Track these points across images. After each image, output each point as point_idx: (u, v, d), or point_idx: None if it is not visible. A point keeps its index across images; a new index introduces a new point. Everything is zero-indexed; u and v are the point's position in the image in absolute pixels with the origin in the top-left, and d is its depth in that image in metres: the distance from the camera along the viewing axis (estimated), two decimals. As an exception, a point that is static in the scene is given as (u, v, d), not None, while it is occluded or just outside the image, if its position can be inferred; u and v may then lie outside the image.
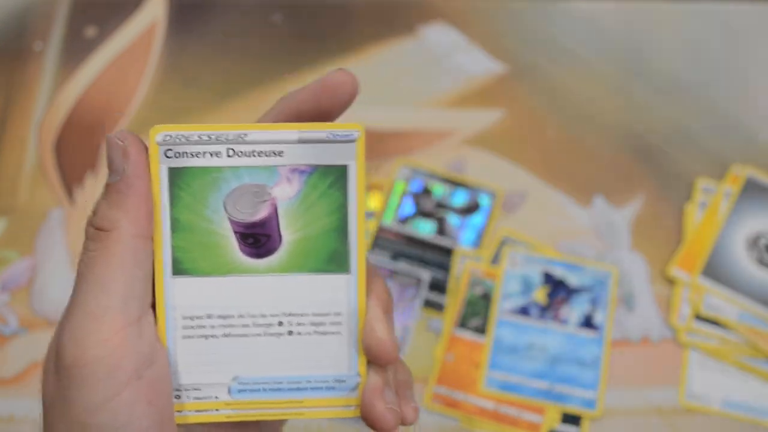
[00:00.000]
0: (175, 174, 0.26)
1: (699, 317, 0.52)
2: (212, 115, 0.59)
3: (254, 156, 0.26)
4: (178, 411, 0.27)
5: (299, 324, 0.27)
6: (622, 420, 0.50)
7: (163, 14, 0.62)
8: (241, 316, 0.27)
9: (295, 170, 0.26)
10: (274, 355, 0.27)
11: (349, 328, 0.27)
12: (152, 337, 0.26)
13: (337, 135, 0.26)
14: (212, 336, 0.27)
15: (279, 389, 0.27)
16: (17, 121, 0.59)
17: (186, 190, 0.26)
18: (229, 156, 0.26)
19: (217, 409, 0.27)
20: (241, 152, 0.26)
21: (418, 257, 0.54)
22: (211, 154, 0.26)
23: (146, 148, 0.26)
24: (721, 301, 0.52)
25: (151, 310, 0.26)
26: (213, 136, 0.26)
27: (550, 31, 0.62)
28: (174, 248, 0.27)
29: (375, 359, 0.27)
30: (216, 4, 0.63)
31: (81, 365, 0.24)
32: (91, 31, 0.62)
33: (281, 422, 0.30)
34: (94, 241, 0.25)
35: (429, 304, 0.53)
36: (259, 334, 0.27)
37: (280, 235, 0.27)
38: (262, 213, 0.26)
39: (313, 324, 0.27)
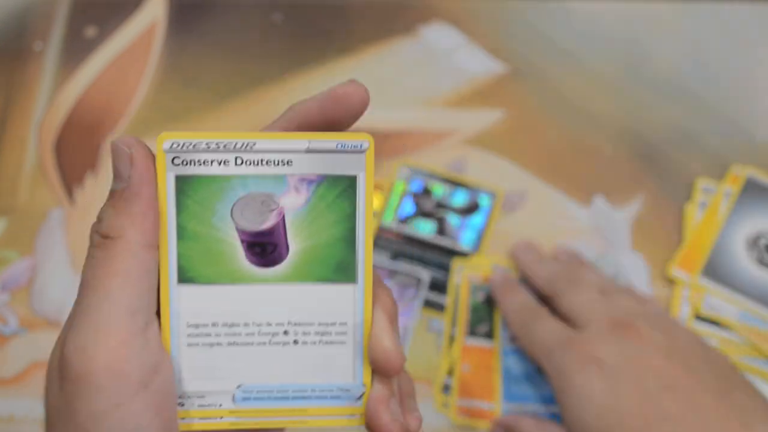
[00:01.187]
0: (182, 182, 0.26)
1: (699, 317, 0.52)
2: (212, 115, 0.59)
3: (262, 165, 0.26)
4: (182, 418, 0.27)
5: (305, 333, 0.27)
6: (622, 420, 0.50)
7: (163, 14, 0.62)
8: (246, 325, 0.27)
9: (303, 180, 0.26)
10: (279, 364, 0.27)
11: (355, 338, 0.27)
12: (157, 347, 0.26)
13: (346, 145, 0.26)
14: (217, 344, 0.27)
15: (283, 398, 0.27)
16: (17, 121, 0.59)
17: (193, 198, 0.26)
18: (237, 164, 0.26)
19: (221, 417, 0.27)
20: (250, 161, 0.26)
21: (418, 257, 0.54)
22: (219, 163, 0.26)
23: (153, 155, 0.26)
24: (721, 301, 0.52)
25: (156, 319, 0.26)
26: (221, 145, 0.26)
27: (550, 31, 0.62)
28: (180, 256, 0.26)
29: (381, 370, 0.27)
30: (216, 4, 0.63)
31: (86, 375, 0.24)
32: (91, 31, 0.62)
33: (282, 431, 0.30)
34: (100, 249, 0.25)
35: (429, 304, 0.53)
36: (264, 343, 0.27)
37: (287, 245, 0.27)
38: (269, 222, 0.27)
39: (319, 333, 0.27)
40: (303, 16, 0.62)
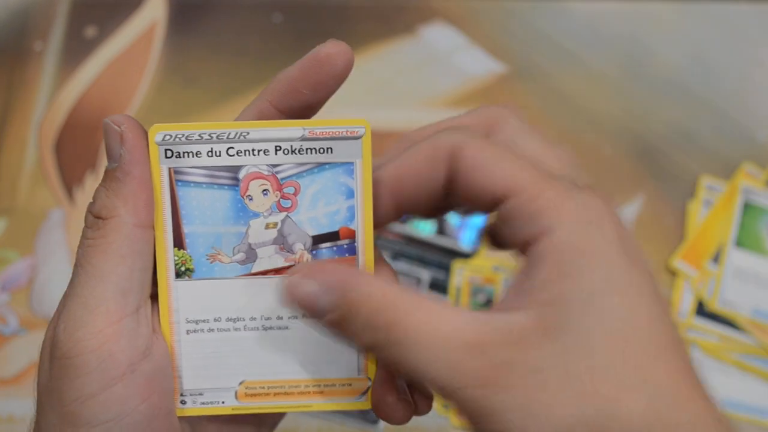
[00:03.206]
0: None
1: (700, 312, 0.52)
2: (212, 115, 0.59)
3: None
4: (181, 417, 0.27)
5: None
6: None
7: (163, 14, 0.62)
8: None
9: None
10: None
11: None
12: (149, 331, 0.25)
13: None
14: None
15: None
16: (17, 121, 0.59)
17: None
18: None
19: (223, 402, 0.27)
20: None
21: (418, 257, 0.54)
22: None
23: (145, 133, 0.25)
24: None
25: (149, 302, 0.26)
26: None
27: (550, 31, 0.62)
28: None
29: None
30: (216, 4, 0.63)
31: (74, 355, 0.23)
32: (91, 31, 0.62)
33: (281, 415, 0.30)
34: (92, 230, 0.25)
35: (429, 304, 0.52)
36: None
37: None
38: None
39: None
40: (303, 16, 0.62)
